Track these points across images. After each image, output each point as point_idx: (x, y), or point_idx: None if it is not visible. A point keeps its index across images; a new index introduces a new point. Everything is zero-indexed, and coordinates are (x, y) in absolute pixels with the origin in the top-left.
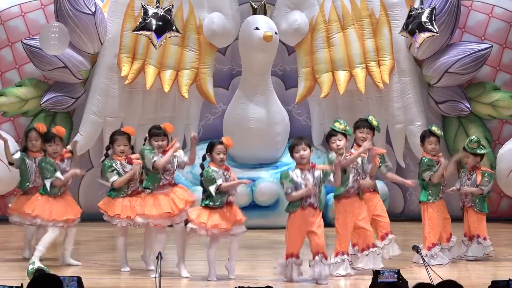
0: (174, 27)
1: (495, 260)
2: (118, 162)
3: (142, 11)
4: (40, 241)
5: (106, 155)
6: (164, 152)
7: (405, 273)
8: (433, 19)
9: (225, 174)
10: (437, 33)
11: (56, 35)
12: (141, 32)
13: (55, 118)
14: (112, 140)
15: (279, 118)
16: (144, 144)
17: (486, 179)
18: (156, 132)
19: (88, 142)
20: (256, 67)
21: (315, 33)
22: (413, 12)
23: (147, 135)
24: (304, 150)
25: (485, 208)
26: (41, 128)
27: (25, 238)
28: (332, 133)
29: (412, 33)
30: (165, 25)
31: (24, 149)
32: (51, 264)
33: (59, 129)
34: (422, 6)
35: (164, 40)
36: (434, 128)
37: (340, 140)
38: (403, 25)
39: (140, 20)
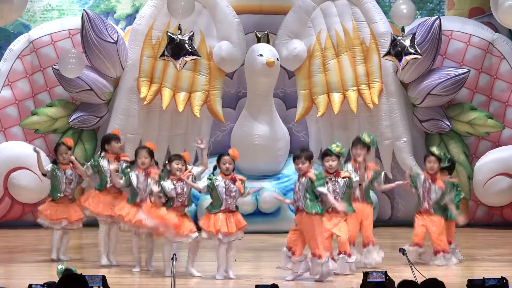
0: (194, 51)
1: (472, 260)
2: (136, 173)
3: (168, 39)
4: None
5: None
6: (179, 178)
7: (392, 273)
8: (415, 43)
9: (226, 183)
10: (420, 55)
11: (73, 60)
12: (165, 57)
13: (81, 135)
14: (136, 153)
15: (280, 135)
16: (162, 171)
17: (448, 188)
18: (173, 158)
19: None
20: (260, 89)
21: (312, 59)
22: (397, 39)
23: (166, 162)
24: (303, 164)
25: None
26: (69, 142)
27: (53, 241)
28: (328, 153)
29: (397, 56)
30: (183, 49)
31: (54, 162)
32: (77, 264)
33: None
34: (403, 33)
35: (185, 63)
36: (433, 149)
37: (333, 161)
38: (388, 50)
39: (165, 47)
